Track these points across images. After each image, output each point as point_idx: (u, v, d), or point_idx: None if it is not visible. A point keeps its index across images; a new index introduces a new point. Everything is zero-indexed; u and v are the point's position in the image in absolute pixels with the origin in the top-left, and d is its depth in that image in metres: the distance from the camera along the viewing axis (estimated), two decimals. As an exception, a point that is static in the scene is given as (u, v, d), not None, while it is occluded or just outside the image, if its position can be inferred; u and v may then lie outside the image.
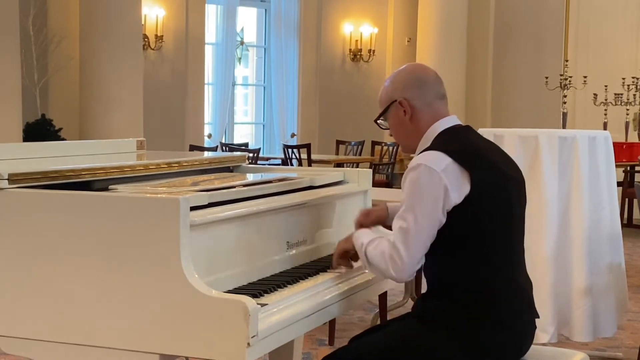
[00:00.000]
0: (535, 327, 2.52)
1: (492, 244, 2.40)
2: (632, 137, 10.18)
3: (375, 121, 2.62)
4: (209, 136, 10.84)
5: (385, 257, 2.37)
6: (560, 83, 9.99)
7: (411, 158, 2.55)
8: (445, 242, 2.37)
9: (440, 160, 2.35)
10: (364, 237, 2.48)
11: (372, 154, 11.10)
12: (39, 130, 8.44)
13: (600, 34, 11.14)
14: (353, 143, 10.94)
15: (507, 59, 11.76)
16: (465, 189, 2.34)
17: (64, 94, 9.20)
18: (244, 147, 9.95)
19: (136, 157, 3.12)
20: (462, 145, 2.43)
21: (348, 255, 2.59)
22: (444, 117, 2.51)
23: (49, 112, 8.94)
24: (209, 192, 2.27)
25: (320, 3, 11.71)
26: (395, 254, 2.36)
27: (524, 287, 2.49)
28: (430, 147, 2.43)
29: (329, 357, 2.50)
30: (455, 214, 2.34)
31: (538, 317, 2.53)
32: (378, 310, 4.92)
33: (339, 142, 11.12)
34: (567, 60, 10.32)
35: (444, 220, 2.34)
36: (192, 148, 9.25)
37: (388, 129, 2.60)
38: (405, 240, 2.35)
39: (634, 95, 9.93)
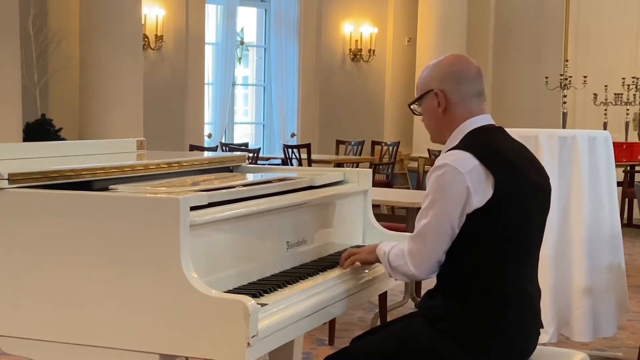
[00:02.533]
0: (539, 335, 2.52)
1: (507, 250, 2.38)
2: (632, 137, 10.18)
3: (409, 105, 2.59)
4: (209, 136, 10.84)
5: (405, 254, 2.40)
6: (560, 83, 9.99)
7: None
8: (460, 243, 2.36)
9: (467, 162, 2.32)
10: (386, 246, 2.51)
11: (372, 154, 11.10)
12: (39, 130, 8.43)
13: (600, 34, 11.14)
14: (353, 143, 10.94)
15: (507, 59, 11.78)
16: (488, 193, 2.32)
17: (64, 94, 9.20)
18: (244, 147, 9.95)
19: (136, 157, 3.12)
20: (490, 147, 2.40)
21: (365, 265, 2.62)
22: (477, 115, 2.47)
23: (49, 112, 8.93)
24: (209, 192, 2.27)
25: (320, 3, 11.71)
26: (415, 248, 2.37)
27: (533, 296, 2.47)
28: (458, 145, 2.40)
29: (330, 357, 2.50)
30: (474, 217, 2.32)
31: (542, 327, 2.52)
32: (378, 310, 4.92)
33: (339, 142, 11.12)
34: (567, 60, 10.33)
35: (462, 221, 2.33)
36: (192, 148, 9.24)
37: (420, 114, 2.58)
38: (426, 235, 2.36)
39: (634, 95, 9.93)
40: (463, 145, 2.39)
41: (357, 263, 2.61)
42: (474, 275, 2.37)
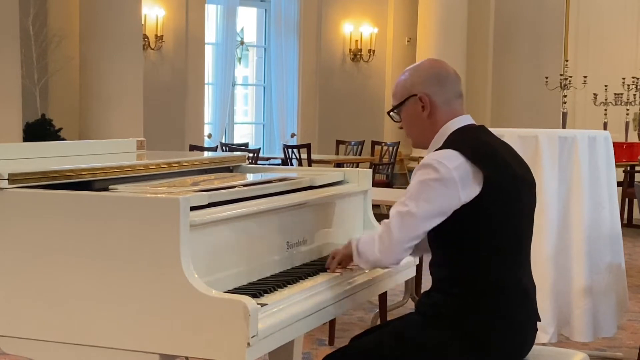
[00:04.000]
0: (537, 330, 2.52)
1: (500, 244, 2.39)
2: (632, 137, 10.19)
3: (389, 113, 2.59)
4: (209, 136, 10.84)
5: (375, 237, 2.37)
6: (560, 83, 10.00)
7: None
8: (452, 239, 2.37)
9: (453, 159, 2.33)
10: (361, 236, 2.49)
11: (372, 154, 11.10)
12: (39, 130, 8.44)
13: (600, 34, 11.15)
14: (353, 143, 10.94)
15: (507, 59, 11.79)
16: (477, 188, 2.32)
17: (64, 94, 9.20)
18: (244, 147, 9.95)
19: (136, 157, 3.12)
20: (475, 144, 2.41)
21: (347, 261, 2.59)
22: (459, 115, 2.49)
23: (49, 112, 8.93)
24: (209, 192, 2.27)
25: (320, 3, 11.71)
26: (386, 233, 2.35)
27: (528, 289, 2.48)
28: (444, 146, 2.40)
29: (329, 357, 2.50)
30: (464, 212, 2.32)
31: (539, 320, 2.52)
32: (378, 310, 4.92)
33: (339, 142, 11.12)
34: (567, 60, 10.33)
35: (444, 217, 2.32)
36: (192, 148, 9.25)
37: (400, 121, 2.58)
38: (400, 222, 2.33)
39: (634, 95, 9.93)
40: (448, 144, 2.40)
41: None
42: (468, 270, 2.38)
